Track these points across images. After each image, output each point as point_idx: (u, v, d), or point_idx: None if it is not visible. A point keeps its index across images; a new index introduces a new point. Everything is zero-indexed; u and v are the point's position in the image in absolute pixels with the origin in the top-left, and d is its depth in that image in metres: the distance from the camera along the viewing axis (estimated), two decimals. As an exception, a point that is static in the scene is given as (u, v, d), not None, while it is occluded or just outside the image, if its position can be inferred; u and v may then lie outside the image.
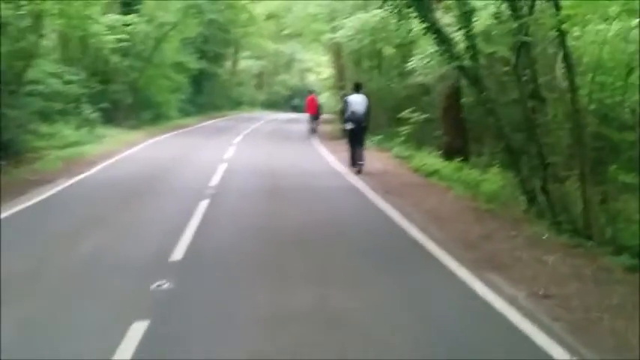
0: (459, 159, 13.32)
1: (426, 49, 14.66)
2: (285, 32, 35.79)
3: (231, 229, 7.29)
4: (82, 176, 11.20)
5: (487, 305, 4.70)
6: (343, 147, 16.94)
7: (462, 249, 6.35)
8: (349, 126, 12.93)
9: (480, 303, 4.77)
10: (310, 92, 25.03)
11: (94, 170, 12.03)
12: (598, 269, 5.57)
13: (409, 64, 15.03)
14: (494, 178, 11.38)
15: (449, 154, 13.92)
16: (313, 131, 23.10)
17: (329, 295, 4.85)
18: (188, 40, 29.34)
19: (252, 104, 50.17)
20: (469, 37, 9.98)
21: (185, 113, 31.32)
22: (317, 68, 57.00)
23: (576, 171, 8.90)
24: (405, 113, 15.58)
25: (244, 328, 4.22)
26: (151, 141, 18.77)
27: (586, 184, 8.07)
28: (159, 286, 5.01)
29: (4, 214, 7.68)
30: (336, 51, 23.48)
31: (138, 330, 4.08)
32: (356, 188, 10.58)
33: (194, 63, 30.16)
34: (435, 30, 10.20)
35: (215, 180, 11.10)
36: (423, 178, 11.68)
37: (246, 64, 50.53)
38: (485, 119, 15.21)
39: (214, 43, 35.41)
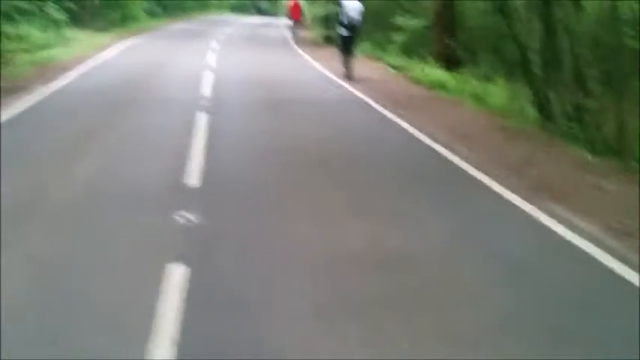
0: (455, 69, 12.65)
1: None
2: None
3: (243, 150, 6.56)
4: (58, 84, 10.15)
5: (567, 243, 4.18)
6: (330, 55, 16.08)
7: (507, 174, 5.79)
8: (344, 32, 12.31)
9: (558, 240, 4.25)
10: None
11: (70, 77, 10.95)
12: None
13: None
14: (498, 90, 10.79)
15: (442, 64, 13.19)
16: (295, 37, 21.98)
17: (378, 230, 4.24)
18: None
19: (220, 7, 47.79)
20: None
21: (152, 15, 29.50)
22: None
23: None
24: (399, 20, 14.56)
25: (299, 270, 3.60)
26: (123, 44, 17.45)
27: (622, 100, 7.54)
28: (182, 217, 4.34)
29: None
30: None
31: (175, 273, 3.43)
32: (361, 100, 9.88)
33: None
34: None
35: (206, 90, 10.23)
36: (428, 90, 10.98)
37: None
38: (488, 25, 14.51)
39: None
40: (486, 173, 5.76)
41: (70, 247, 3.81)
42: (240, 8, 50.92)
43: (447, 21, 14.93)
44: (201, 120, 7.75)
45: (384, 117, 8.52)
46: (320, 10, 21.19)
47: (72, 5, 18.91)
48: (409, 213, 4.67)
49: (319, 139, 7.10)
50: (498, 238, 4.28)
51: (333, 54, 15.18)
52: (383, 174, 5.79)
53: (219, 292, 3.28)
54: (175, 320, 2.93)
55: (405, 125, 7.90)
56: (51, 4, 16.91)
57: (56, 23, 16.52)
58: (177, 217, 4.28)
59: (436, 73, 11.89)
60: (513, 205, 4.95)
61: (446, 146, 6.76)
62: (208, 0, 45.25)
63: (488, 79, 12.25)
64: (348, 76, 12.32)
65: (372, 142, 7.15)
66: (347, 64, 12.60)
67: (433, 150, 6.68)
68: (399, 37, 14.79)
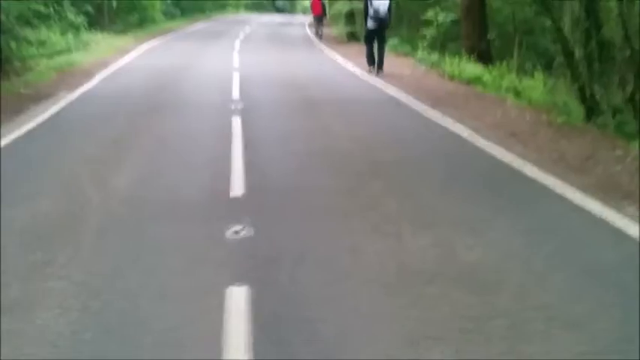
0: (488, 63, 12.19)
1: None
2: None
3: (284, 153, 6.18)
4: (82, 89, 9.88)
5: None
6: (357, 52, 15.67)
7: (570, 172, 5.34)
8: (371, 25, 12.11)
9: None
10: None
11: (94, 82, 10.68)
12: None
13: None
14: (537, 85, 10.33)
15: (475, 58, 12.70)
16: (319, 35, 21.59)
17: (447, 242, 3.82)
18: None
19: (237, 6, 47.57)
20: None
21: (170, 16, 29.32)
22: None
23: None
24: (429, 14, 14.08)
25: (370, 290, 3.18)
26: (143, 47, 17.21)
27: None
28: (236, 232, 3.96)
29: (5, 140, 6.45)
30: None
31: (237, 298, 3.06)
32: (398, 98, 9.43)
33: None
34: None
35: (235, 92, 9.89)
36: (465, 87, 10.50)
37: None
38: (521, 18, 14.02)
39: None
40: (547, 172, 5.32)
41: (119, 267, 3.45)
42: (257, 7, 50.81)
43: (477, 15, 14.48)
44: (236, 123, 7.43)
45: (426, 115, 8.07)
46: (343, 6, 20.75)
47: (90, 8, 18.71)
48: (477, 220, 4.24)
49: (363, 140, 6.70)
50: (578, 244, 3.87)
51: (359, 51, 14.80)
52: (439, 177, 5.36)
53: (288, 319, 2.89)
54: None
55: (449, 123, 7.45)
56: (69, 7, 16.70)
57: (75, 27, 16.30)
58: (227, 231, 3.93)
59: (471, 68, 11.41)
60: (583, 204, 4.52)
61: (499, 144, 6.32)
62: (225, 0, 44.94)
63: (524, 72, 11.80)
64: (377, 71, 12.03)
65: (420, 143, 6.70)
66: (371, 56, 12.33)
67: (485, 149, 6.22)
68: (428, 32, 14.27)
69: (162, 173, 5.46)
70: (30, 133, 6.82)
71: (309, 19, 39.15)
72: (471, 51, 13.40)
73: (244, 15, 42.54)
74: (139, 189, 4.98)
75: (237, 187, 4.94)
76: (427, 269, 3.45)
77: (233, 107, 8.48)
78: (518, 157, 5.86)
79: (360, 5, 18.29)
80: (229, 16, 39.14)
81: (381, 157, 5.99)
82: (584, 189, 4.88)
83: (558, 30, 8.52)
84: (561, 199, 4.72)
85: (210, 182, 5.14)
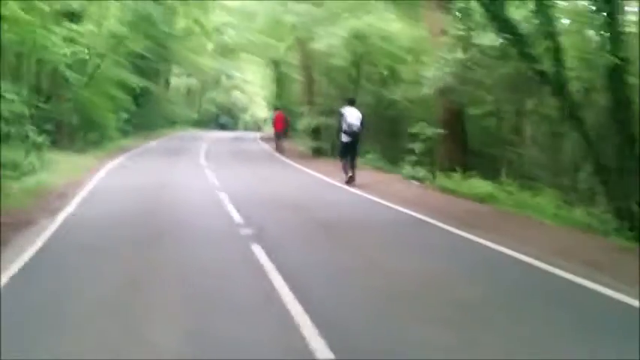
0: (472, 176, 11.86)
1: (441, 58, 13.16)
2: (228, 47, 33.65)
3: (350, 298, 5.13)
4: (63, 214, 8.70)
5: None
6: (331, 166, 15.18)
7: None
8: (345, 139, 12.66)
9: None
10: (277, 109, 23.23)
11: (73, 205, 9.51)
12: None
13: (425, 73, 13.43)
14: (545, 200, 9.98)
15: (459, 172, 12.36)
16: (281, 149, 21.28)
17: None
18: (127, 56, 26.68)
19: (184, 123, 47.29)
20: (551, 35, 8.49)
21: (124, 133, 28.49)
22: (245, 85, 55.29)
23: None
24: (417, 128, 13.75)
25: None
26: (109, 166, 16.18)
27: None
28: None
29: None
30: (306, 65, 21.51)
31: None
32: (419, 219, 8.72)
33: (137, 80, 27.27)
34: (509, 27, 8.65)
35: (234, 213, 8.93)
36: (480, 205, 9.92)
37: (178, 81, 47.62)
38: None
39: (153, 59, 32.48)
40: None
41: None
42: (202, 124, 50.93)
43: (458, 129, 14.45)
44: (259, 254, 6.42)
45: (466, 240, 7.29)
46: (309, 121, 20.58)
47: (50, 127, 17.74)
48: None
49: (427, 276, 5.73)
50: None
51: (334, 166, 14.49)
52: (562, 326, 4.46)
53: None
54: None
55: (504, 249, 6.70)
56: (30, 127, 15.68)
57: (37, 147, 15.19)
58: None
59: (478, 184, 10.91)
60: None
61: (590, 279, 5.50)
62: (174, 116, 44.58)
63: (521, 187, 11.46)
64: (347, 181, 12.42)
65: (493, 277, 5.81)
66: (349, 171, 12.63)
67: (583, 285, 5.39)
68: (416, 146, 13.81)
69: (209, 327, 4.32)
70: (23, 273, 5.62)
71: (258, 134, 39.29)
72: (452, 164, 13.11)
73: (193, 131, 42.12)
74: (193, 351, 3.90)
75: (321, 348, 3.92)
76: None
77: (243, 233, 7.54)
78: (623, 294, 5.09)
79: (327, 121, 18.36)
80: (180, 133, 38.58)
81: (463, 298, 5.08)
82: None
83: (590, 144, 8.20)
84: None
85: (283, 339, 4.10)
